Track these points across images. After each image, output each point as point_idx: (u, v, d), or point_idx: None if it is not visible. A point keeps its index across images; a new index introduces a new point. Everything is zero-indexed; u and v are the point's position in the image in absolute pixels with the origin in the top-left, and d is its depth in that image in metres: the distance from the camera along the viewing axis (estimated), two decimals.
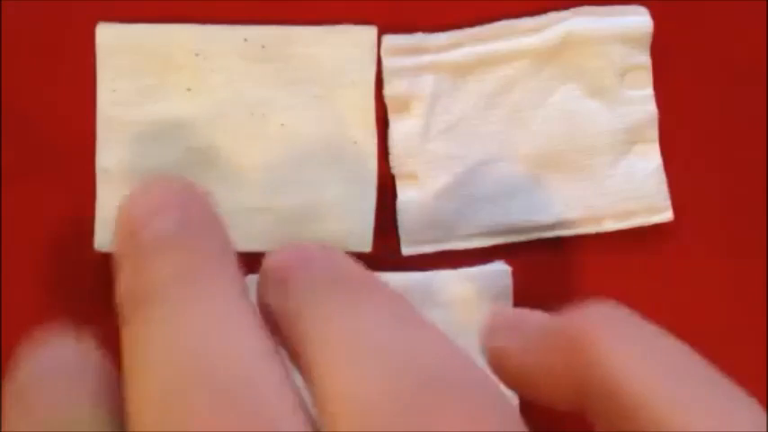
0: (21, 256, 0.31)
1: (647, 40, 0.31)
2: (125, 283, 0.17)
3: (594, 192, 0.31)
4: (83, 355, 0.18)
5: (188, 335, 0.16)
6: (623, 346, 0.18)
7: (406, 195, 0.31)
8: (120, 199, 0.19)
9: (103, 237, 0.30)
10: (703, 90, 0.32)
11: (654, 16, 0.31)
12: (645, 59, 0.32)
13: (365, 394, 0.15)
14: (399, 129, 0.31)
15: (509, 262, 0.31)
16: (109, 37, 0.30)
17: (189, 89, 0.30)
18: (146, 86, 0.30)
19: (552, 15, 0.31)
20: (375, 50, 0.31)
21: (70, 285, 0.31)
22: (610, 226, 0.31)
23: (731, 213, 0.32)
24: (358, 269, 0.18)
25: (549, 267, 0.32)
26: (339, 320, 0.17)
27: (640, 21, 0.31)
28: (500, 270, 0.31)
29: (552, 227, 0.32)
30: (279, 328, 0.17)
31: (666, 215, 0.31)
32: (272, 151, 0.31)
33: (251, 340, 0.16)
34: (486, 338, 0.20)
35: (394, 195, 0.31)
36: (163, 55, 0.30)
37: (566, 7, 0.31)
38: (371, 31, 0.31)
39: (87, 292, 0.30)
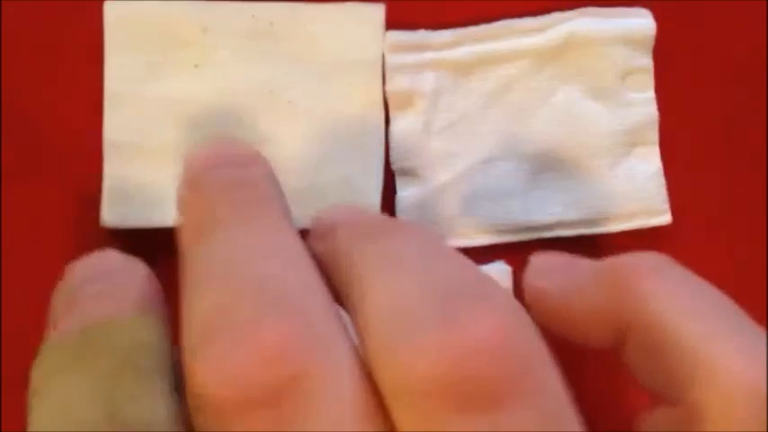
0: (21, 256, 0.30)
1: (650, 43, 0.31)
2: (188, 218, 0.20)
3: (593, 193, 0.31)
4: (130, 265, 0.20)
5: (245, 254, 0.18)
6: (665, 284, 0.20)
7: (406, 191, 0.31)
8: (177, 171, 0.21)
9: (111, 212, 0.30)
10: (704, 93, 0.33)
11: (656, 19, 0.31)
12: (647, 62, 0.32)
13: (401, 301, 0.17)
14: (400, 125, 0.31)
15: (509, 262, 0.32)
16: (116, 12, 0.30)
17: (196, 65, 0.30)
18: (153, 62, 0.30)
19: (555, 16, 0.31)
20: (383, 27, 0.31)
21: None
22: (608, 228, 0.31)
23: (731, 217, 0.32)
24: (392, 219, 0.21)
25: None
26: (379, 250, 0.18)
27: (643, 23, 0.31)
28: (501, 270, 0.31)
29: (551, 227, 0.32)
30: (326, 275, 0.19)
31: (665, 218, 0.32)
32: (279, 127, 0.30)
33: (299, 261, 0.18)
34: (530, 278, 0.22)
35: (393, 191, 0.31)
36: (170, 31, 0.30)
37: (569, 8, 0.31)
38: (379, 9, 0.31)
39: None
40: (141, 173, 0.30)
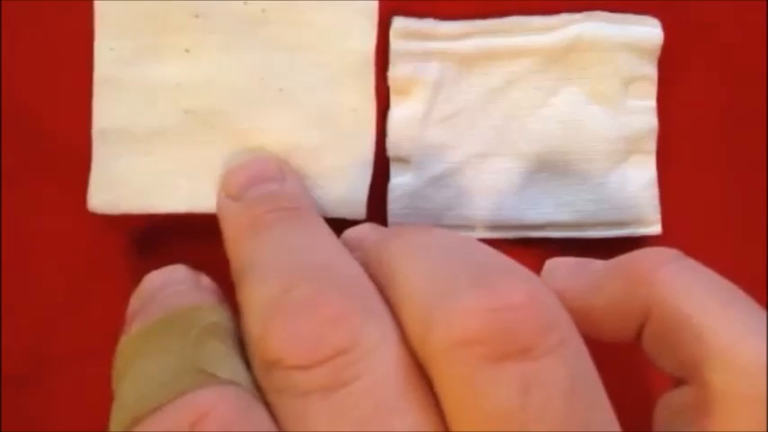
0: (21, 256, 0.30)
1: (656, 52, 0.31)
2: (233, 224, 0.23)
3: (586, 197, 0.32)
4: (195, 275, 0.23)
5: (296, 248, 0.21)
6: (679, 273, 0.21)
7: (398, 179, 0.31)
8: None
9: (98, 198, 0.30)
10: (707, 107, 0.33)
11: (665, 29, 0.31)
12: (651, 71, 0.31)
13: (435, 272, 0.19)
14: (399, 112, 0.31)
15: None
16: None
17: (187, 50, 0.30)
18: (144, 46, 0.30)
19: (564, 16, 0.31)
20: (376, 19, 0.31)
21: (71, 285, 0.31)
22: (597, 233, 0.32)
23: (725, 230, 0.33)
24: (414, 225, 0.25)
25: None
26: (404, 241, 0.21)
27: (651, 32, 0.31)
28: None
29: (541, 227, 0.32)
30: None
31: (655, 228, 0.32)
32: (269, 115, 0.30)
33: (342, 253, 0.22)
34: (545, 281, 0.23)
35: (387, 178, 0.31)
36: (162, 15, 0.30)
37: (579, 10, 0.31)
38: (372, 1, 0.31)
39: (89, 291, 0.30)
40: (130, 158, 0.30)
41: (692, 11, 0.32)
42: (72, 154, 0.30)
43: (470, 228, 0.32)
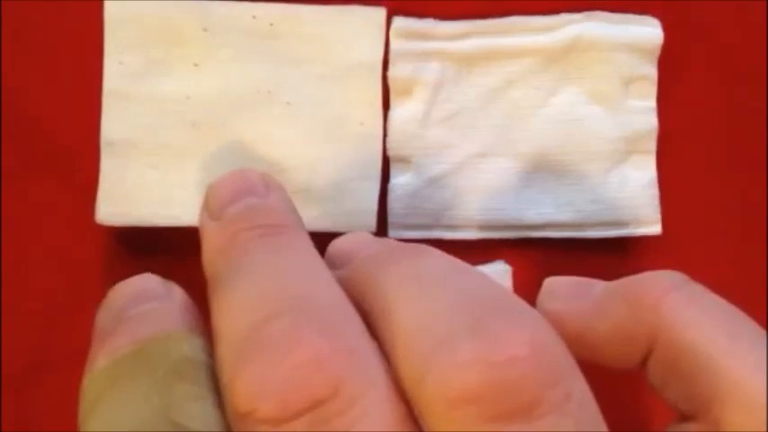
0: (21, 256, 0.30)
1: (656, 52, 0.31)
2: (212, 244, 0.21)
3: (586, 197, 0.31)
4: (169, 288, 0.21)
5: (276, 276, 0.19)
6: (687, 301, 0.20)
7: (399, 179, 0.31)
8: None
9: (106, 210, 0.30)
10: (707, 107, 0.33)
11: (665, 29, 0.31)
12: (651, 71, 0.31)
13: (431, 316, 0.17)
14: (400, 112, 0.31)
15: (509, 261, 0.32)
16: (117, 10, 0.30)
17: (196, 64, 0.30)
18: (153, 60, 0.30)
19: (564, 17, 0.31)
20: (384, 32, 0.31)
21: (71, 285, 0.31)
22: (597, 233, 0.32)
23: (725, 231, 0.33)
24: (411, 244, 0.21)
25: (550, 267, 0.32)
26: (402, 270, 0.19)
27: (651, 32, 0.31)
28: (500, 270, 0.31)
29: (541, 227, 0.32)
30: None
31: (655, 228, 0.32)
32: (277, 129, 0.30)
33: (327, 282, 0.19)
34: (544, 302, 0.22)
35: (387, 178, 0.31)
36: (171, 29, 0.30)
37: (579, 10, 0.31)
38: (381, 13, 0.31)
39: (88, 291, 0.30)
40: (138, 171, 0.30)
41: (692, 11, 0.32)
42: (73, 155, 0.30)
43: (470, 227, 0.32)
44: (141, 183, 0.30)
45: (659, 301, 0.20)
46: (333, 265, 0.21)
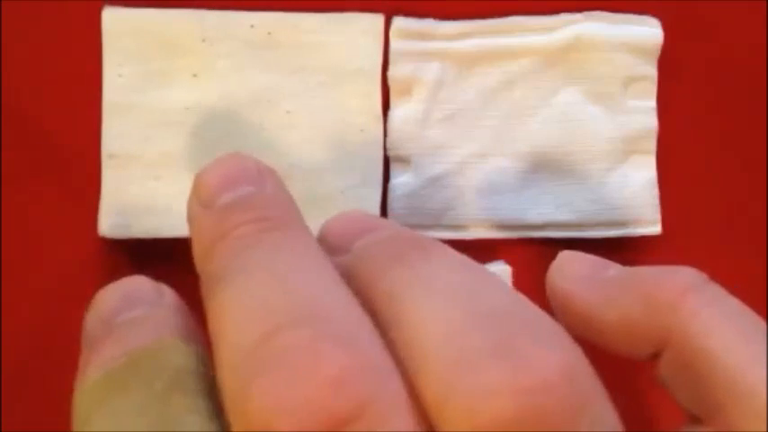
0: (21, 258, 0.30)
1: (656, 53, 0.31)
2: (204, 237, 0.19)
3: (585, 197, 0.31)
4: (161, 292, 0.20)
5: (281, 279, 0.17)
6: (706, 303, 0.20)
7: (399, 179, 0.31)
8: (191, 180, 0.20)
9: (108, 223, 0.30)
10: (707, 107, 0.33)
11: (665, 30, 0.31)
12: (651, 71, 0.31)
13: (451, 330, 0.16)
14: (399, 112, 0.31)
15: (509, 261, 0.32)
16: (115, 21, 0.30)
17: (195, 75, 0.30)
18: (152, 71, 0.30)
19: (564, 17, 0.31)
20: (382, 38, 0.31)
21: (71, 285, 0.31)
22: (597, 233, 0.32)
23: (725, 231, 0.33)
24: (413, 234, 0.20)
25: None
26: (414, 271, 0.18)
27: (651, 32, 0.31)
28: (500, 270, 0.31)
29: (541, 227, 0.32)
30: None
31: (654, 229, 0.32)
32: (278, 137, 0.30)
33: (335, 282, 0.18)
34: (555, 279, 0.22)
35: (387, 178, 0.31)
36: (169, 40, 0.30)
37: (579, 10, 0.31)
38: (379, 19, 0.31)
39: (88, 292, 0.30)
40: (140, 183, 0.30)
41: (692, 11, 0.32)
42: (73, 156, 0.30)
43: (470, 227, 0.32)
44: (143, 195, 0.30)
45: (676, 301, 0.20)
46: (328, 248, 0.19)
